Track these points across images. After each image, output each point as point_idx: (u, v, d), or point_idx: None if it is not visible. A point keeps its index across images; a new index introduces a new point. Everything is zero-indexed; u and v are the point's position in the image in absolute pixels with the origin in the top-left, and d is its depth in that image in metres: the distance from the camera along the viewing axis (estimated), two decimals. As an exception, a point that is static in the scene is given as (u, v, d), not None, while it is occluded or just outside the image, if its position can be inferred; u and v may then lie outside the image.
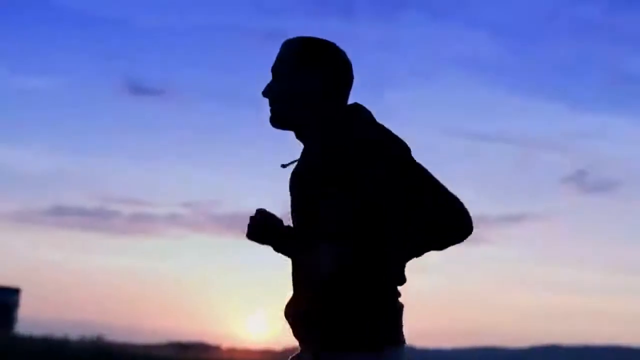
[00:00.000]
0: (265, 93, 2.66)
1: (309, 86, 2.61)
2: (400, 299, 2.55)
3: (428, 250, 2.57)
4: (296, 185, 2.61)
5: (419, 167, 2.53)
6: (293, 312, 2.58)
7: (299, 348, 2.61)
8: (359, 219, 2.45)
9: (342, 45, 2.66)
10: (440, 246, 2.57)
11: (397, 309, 2.53)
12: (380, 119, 2.59)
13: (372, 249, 2.45)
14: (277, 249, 2.63)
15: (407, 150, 2.52)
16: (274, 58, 2.71)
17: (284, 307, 2.62)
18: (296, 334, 2.59)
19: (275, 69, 2.67)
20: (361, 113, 2.59)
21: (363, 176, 2.45)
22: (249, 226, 2.61)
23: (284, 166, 2.67)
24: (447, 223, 2.51)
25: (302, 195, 2.57)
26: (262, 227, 2.59)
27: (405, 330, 2.55)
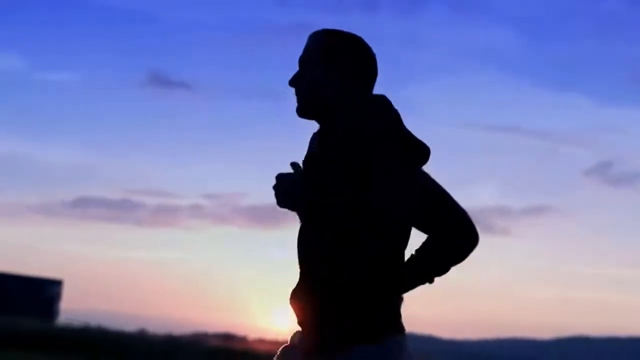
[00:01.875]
0: (292, 82, 2.71)
1: (335, 77, 2.65)
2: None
3: (438, 266, 2.60)
4: (311, 169, 2.62)
5: (428, 176, 2.62)
6: (301, 300, 2.61)
7: (297, 336, 2.67)
8: (367, 212, 2.45)
9: (365, 39, 2.72)
10: (452, 259, 2.61)
11: (398, 300, 2.59)
12: (403, 113, 2.62)
13: (381, 243, 2.48)
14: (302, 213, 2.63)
15: (425, 153, 2.55)
16: (298, 52, 2.74)
17: (291, 292, 2.65)
18: (301, 321, 2.63)
19: (302, 60, 2.72)
20: (386, 105, 2.61)
21: (380, 168, 2.46)
22: (275, 195, 2.60)
23: (294, 165, 2.65)
24: (457, 234, 2.58)
25: (316, 181, 2.56)
26: (284, 194, 2.58)
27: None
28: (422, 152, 2.55)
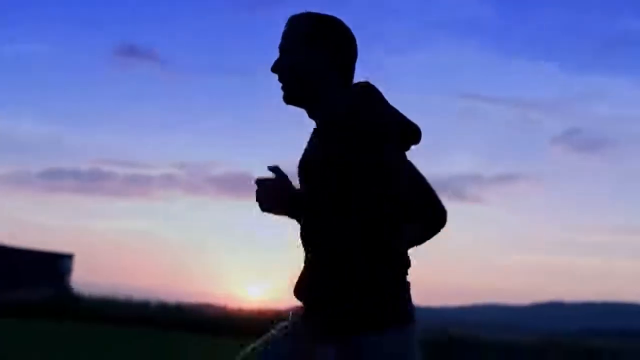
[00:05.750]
0: (274, 69, 2.68)
1: (318, 61, 2.63)
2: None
3: (413, 241, 2.64)
4: (308, 168, 2.60)
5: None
6: (307, 291, 2.58)
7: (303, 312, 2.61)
8: (363, 198, 2.45)
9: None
10: (422, 235, 2.68)
11: (406, 286, 2.55)
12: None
13: (381, 228, 2.47)
14: (293, 214, 2.61)
15: (417, 133, 2.58)
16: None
17: (296, 283, 2.61)
18: (310, 311, 2.57)
19: (282, 46, 2.69)
20: (371, 93, 2.59)
21: (367, 159, 2.45)
22: (257, 200, 2.58)
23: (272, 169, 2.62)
24: (429, 215, 2.65)
25: (317, 175, 2.54)
26: (268, 198, 2.56)
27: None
28: (414, 132, 2.59)
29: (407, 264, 2.55)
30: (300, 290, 2.60)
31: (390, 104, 2.60)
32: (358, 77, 2.71)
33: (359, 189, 2.44)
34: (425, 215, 2.66)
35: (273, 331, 2.66)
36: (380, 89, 2.62)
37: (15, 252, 40.08)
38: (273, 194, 2.55)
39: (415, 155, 2.64)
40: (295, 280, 2.62)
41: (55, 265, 39.97)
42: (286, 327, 2.64)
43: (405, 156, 2.59)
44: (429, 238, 2.71)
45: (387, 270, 2.48)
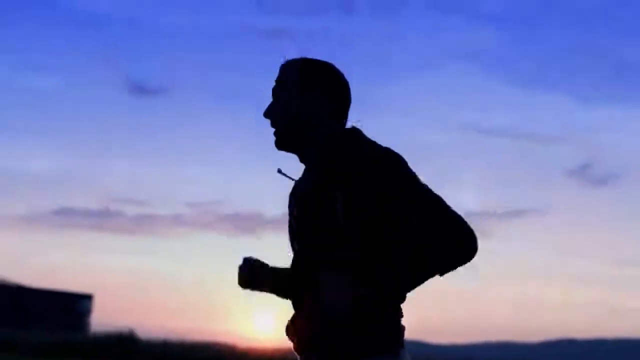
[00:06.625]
0: (266, 114, 2.65)
1: (311, 107, 2.61)
2: (410, 299, 2.56)
3: (429, 274, 2.51)
4: (298, 204, 2.61)
5: (419, 183, 2.50)
6: (298, 333, 2.59)
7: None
8: (360, 237, 2.45)
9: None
10: (442, 268, 2.51)
11: (400, 324, 2.53)
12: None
13: (378, 267, 2.46)
14: (279, 292, 2.66)
15: (406, 166, 2.49)
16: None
17: (286, 325, 2.63)
18: (301, 352, 2.59)
19: (276, 91, 2.67)
20: (360, 135, 2.58)
21: (365, 194, 2.45)
22: (238, 275, 2.63)
23: (280, 171, 2.68)
24: (450, 243, 2.47)
25: (306, 215, 2.56)
26: (252, 274, 2.61)
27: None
28: (403, 165, 2.51)
29: (401, 299, 2.54)
30: (292, 327, 2.61)
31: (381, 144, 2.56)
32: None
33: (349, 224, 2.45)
34: (446, 242, 2.47)
35: None
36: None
37: (34, 293, 40.29)
38: (258, 271, 2.60)
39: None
40: (289, 321, 2.64)
41: (74, 305, 40.19)
42: None
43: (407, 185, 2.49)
44: (453, 266, 2.52)
45: (379, 306, 2.46)
